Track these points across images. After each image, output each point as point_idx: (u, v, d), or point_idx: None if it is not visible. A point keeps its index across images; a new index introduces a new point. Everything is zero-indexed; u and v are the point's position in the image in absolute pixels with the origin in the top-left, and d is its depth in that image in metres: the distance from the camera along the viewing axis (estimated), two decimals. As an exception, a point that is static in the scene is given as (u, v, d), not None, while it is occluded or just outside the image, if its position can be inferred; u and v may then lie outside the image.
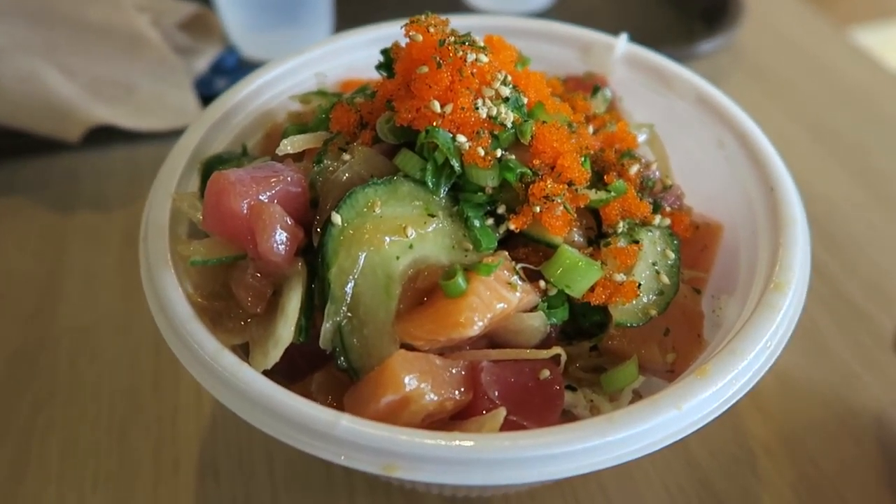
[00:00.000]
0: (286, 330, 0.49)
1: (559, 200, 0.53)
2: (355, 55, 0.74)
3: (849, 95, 1.17)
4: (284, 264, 0.50)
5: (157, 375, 0.75)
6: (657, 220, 0.59)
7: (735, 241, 0.63)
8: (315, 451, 0.44)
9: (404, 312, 0.51)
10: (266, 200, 0.50)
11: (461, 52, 0.54)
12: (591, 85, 0.70)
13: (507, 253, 0.54)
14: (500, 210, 0.55)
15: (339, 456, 0.44)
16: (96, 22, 1.00)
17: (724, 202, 0.65)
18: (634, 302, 0.54)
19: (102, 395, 0.73)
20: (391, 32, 0.67)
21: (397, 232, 0.51)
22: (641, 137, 0.65)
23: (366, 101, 0.58)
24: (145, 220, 0.57)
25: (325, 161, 0.54)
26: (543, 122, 0.56)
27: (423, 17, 0.56)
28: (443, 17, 0.58)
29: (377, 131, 0.56)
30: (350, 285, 0.49)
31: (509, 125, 0.54)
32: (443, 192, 0.53)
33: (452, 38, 0.55)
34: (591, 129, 0.62)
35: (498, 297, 0.50)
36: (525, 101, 0.57)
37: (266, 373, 0.48)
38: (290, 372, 0.52)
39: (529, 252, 0.55)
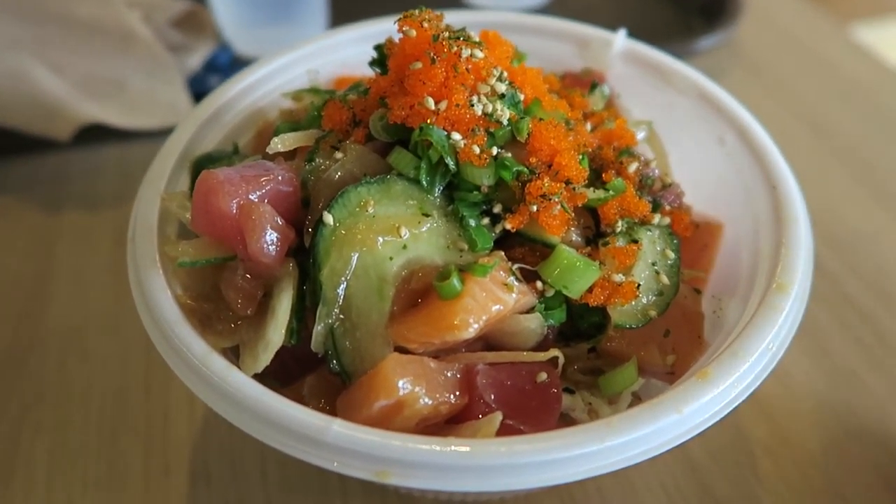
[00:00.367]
0: (276, 333, 0.49)
1: (556, 199, 0.52)
2: (348, 51, 0.74)
3: (849, 92, 1.16)
4: (275, 265, 0.50)
5: (147, 377, 0.74)
6: (656, 219, 0.58)
7: (736, 239, 0.62)
8: (306, 457, 0.43)
9: (398, 314, 0.50)
10: (256, 200, 0.50)
11: (456, 48, 0.53)
12: (588, 81, 0.69)
13: (503, 253, 0.53)
14: (496, 209, 0.54)
15: (331, 462, 0.43)
16: (85, 18, 0.99)
17: (724, 200, 0.64)
18: (633, 303, 0.54)
19: (92, 397, 0.73)
20: (385, 28, 0.66)
21: (391, 232, 0.50)
22: (640, 135, 0.64)
23: (359, 98, 0.58)
24: (133, 220, 0.56)
25: (317, 159, 0.54)
26: (540, 119, 0.55)
27: (416, 11, 0.55)
28: (437, 13, 0.57)
29: (370, 129, 0.55)
30: (342, 287, 0.49)
31: (505, 122, 0.53)
32: (437, 190, 0.53)
33: (447, 34, 0.54)
34: (588, 126, 0.61)
35: (494, 299, 0.49)
36: (521, 97, 0.56)
37: (257, 376, 0.47)
38: (281, 375, 0.52)
39: (526, 252, 0.54)
